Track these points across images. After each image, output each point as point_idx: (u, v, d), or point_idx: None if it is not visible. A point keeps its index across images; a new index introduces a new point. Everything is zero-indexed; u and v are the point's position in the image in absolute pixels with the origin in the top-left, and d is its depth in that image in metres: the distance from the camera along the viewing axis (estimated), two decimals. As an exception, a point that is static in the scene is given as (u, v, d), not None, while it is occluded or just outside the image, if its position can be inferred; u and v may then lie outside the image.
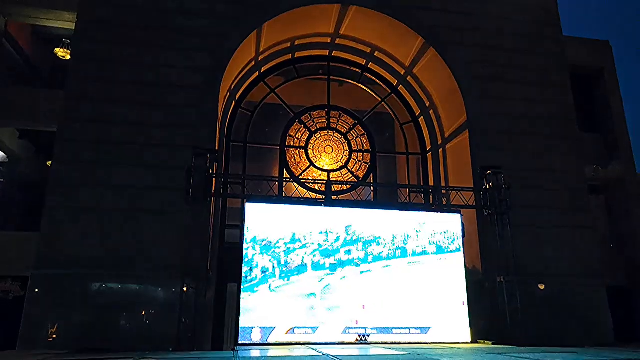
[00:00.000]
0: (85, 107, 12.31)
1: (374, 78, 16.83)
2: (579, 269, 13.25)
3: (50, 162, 13.26)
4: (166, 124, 12.48)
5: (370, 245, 12.43)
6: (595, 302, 13.11)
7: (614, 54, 18.45)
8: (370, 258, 12.31)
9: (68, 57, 15.68)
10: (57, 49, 16.09)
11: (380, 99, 16.64)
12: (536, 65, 15.19)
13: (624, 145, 17.22)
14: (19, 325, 10.62)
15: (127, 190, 11.80)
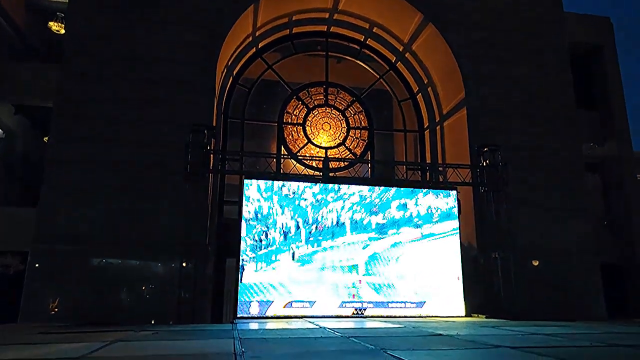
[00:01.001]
0: (80, 84, 12.25)
1: (372, 55, 16.69)
2: (573, 246, 13.44)
3: (46, 138, 13.21)
4: (163, 100, 12.44)
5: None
6: (588, 278, 13.35)
7: (615, 31, 18.28)
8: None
9: (62, 31, 15.44)
10: (51, 23, 15.82)
11: (378, 76, 16.53)
12: (536, 43, 15.11)
13: (621, 124, 17.22)
14: (20, 299, 10.78)
15: (124, 166, 11.83)
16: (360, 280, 11.46)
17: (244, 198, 11.54)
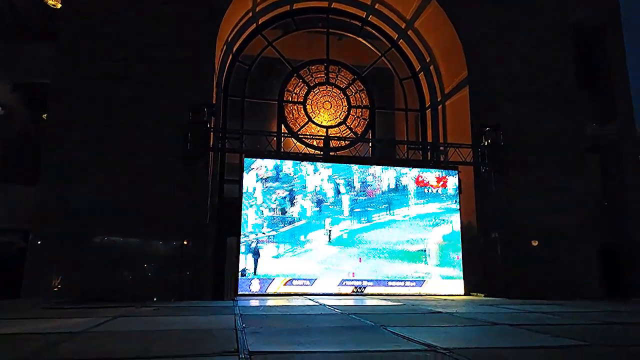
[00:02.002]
0: (77, 62, 12.11)
1: (374, 32, 16.45)
2: (572, 228, 13.47)
3: (45, 115, 13.12)
4: (162, 77, 12.29)
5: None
6: (586, 258, 13.43)
7: (620, 10, 17.93)
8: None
9: (59, 5, 15.15)
10: (46, -3, 15.52)
11: (380, 54, 16.32)
12: (539, 23, 14.89)
13: (623, 105, 17.05)
14: (22, 276, 10.88)
15: (125, 144, 11.78)
16: (360, 259, 11.50)
17: (244, 176, 11.52)
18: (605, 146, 17.32)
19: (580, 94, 15.27)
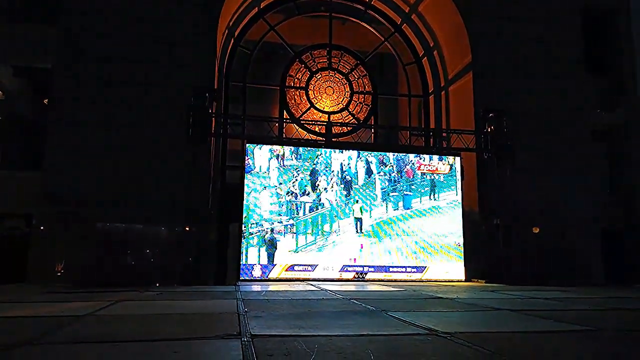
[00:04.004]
0: (79, 45, 12.06)
1: (377, 16, 16.24)
2: (575, 213, 13.44)
3: (46, 100, 13.07)
4: (164, 61, 12.24)
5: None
6: (589, 245, 13.42)
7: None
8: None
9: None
10: (46, -20, 15.31)
11: (383, 39, 16.13)
12: (547, 7, 14.65)
13: (631, 90, 16.86)
14: (26, 260, 10.94)
15: (126, 130, 11.76)
16: (361, 245, 11.60)
17: (248, 153, 11.43)
18: (612, 131, 17.17)
19: (588, 79, 15.08)
